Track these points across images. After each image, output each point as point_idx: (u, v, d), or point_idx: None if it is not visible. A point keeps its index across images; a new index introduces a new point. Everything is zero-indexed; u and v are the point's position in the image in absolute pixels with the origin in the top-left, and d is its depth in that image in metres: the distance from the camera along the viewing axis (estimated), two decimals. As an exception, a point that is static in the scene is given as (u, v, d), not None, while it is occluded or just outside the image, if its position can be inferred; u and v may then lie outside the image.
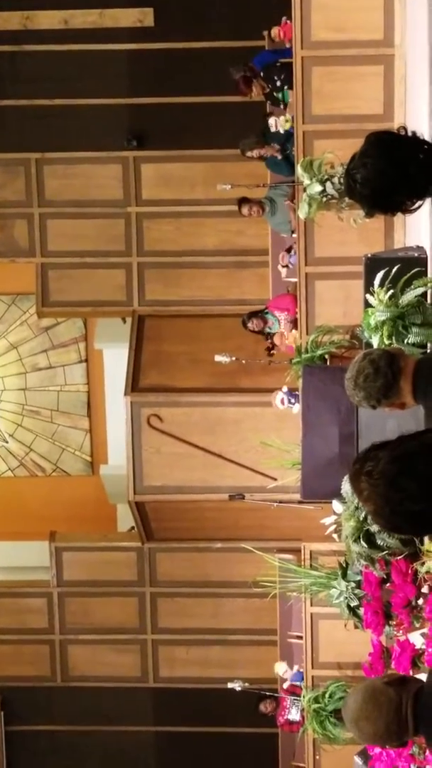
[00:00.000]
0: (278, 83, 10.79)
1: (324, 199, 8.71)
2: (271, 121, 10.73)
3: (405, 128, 4.10)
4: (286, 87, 10.64)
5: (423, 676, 3.41)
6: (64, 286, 12.71)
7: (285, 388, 10.10)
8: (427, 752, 6.58)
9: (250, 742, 12.68)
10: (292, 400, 10.00)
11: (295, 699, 10.47)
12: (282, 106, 10.84)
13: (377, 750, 7.29)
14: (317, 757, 10.24)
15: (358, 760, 8.02)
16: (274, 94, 10.90)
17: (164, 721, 13.08)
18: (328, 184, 8.61)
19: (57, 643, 13.09)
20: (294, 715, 10.55)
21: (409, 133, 4.08)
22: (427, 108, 8.18)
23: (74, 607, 13.03)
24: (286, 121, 10.61)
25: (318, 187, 8.63)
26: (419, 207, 4.06)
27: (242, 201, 10.97)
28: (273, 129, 10.72)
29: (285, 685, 10.86)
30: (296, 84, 9.88)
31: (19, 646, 13.13)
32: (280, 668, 10.88)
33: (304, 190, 8.85)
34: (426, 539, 6.93)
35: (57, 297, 12.79)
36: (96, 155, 12.51)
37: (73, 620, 13.04)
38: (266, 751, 12.24)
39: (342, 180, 4.33)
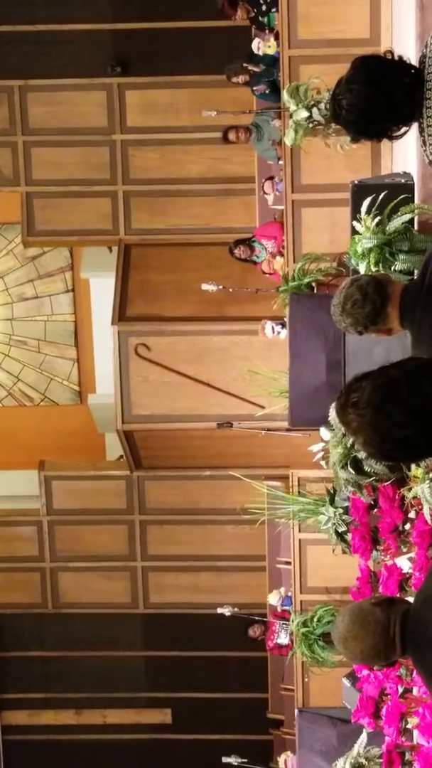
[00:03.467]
0: (264, 7, 10.66)
1: (310, 125, 8.64)
2: (255, 42, 10.61)
3: (392, 52, 4.07)
4: (272, 10, 10.51)
5: (411, 599, 3.45)
6: (49, 215, 12.62)
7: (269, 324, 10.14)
8: (414, 673, 6.68)
9: (240, 666, 12.86)
10: (280, 328, 10.01)
11: (283, 623, 10.60)
12: (267, 31, 10.71)
13: (365, 672, 7.42)
14: (306, 679, 10.38)
15: (346, 681, 8.16)
16: (260, 18, 10.77)
17: (154, 645, 13.24)
18: (315, 110, 8.52)
19: (47, 571, 13.20)
20: (283, 639, 10.69)
21: (396, 58, 4.05)
22: (414, 31, 8.08)
23: (64, 535, 13.12)
24: (268, 46, 10.49)
25: (304, 113, 8.55)
26: (405, 133, 4.05)
27: (228, 127, 10.89)
28: (255, 51, 10.60)
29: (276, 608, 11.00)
30: (282, 8, 9.75)
31: (10, 573, 13.24)
32: (274, 598, 11.00)
33: (291, 116, 8.77)
34: (413, 465, 6.98)
35: (42, 226, 12.70)
36: (80, 82, 12.36)
37: (63, 548, 13.14)
38: (255, 674, 12.42)
39: (328, 106, 4.31)
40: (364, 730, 7.38)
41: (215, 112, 10.79)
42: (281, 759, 11.18)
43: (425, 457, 3.25)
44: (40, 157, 12.53)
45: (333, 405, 7.44)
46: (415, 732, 6.88)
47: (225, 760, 10.65)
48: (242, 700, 12.95)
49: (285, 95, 8.77)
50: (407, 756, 7.00)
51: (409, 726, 7.00)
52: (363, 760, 7.13)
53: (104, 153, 12.45)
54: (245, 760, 10.67)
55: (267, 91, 10.74)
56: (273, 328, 10.13)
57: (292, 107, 8.56)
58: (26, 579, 13.25)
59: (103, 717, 13.45)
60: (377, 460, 3.18)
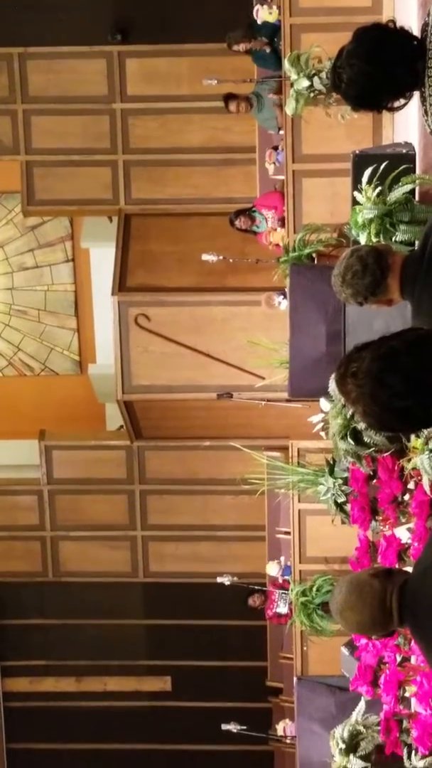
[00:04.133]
0: (265, -26, 10.59)
1: (311, 94, 8.60)
2: (255, 8, 10.54)
3: (394, 22, 4.05)
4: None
5: (409, 570, 3.47)
6: (49, 184, 12.58)
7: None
8: (412, 642, 6.72)
9: (239, 635, 12.93)
10: (281, 298, 10.00)
11: (283, 592, 10.65)
12: (269, -1, 10.65)
13: (363, 641, 7.46)
14: (305, 648, 10.43)
15: (344, 650, 8.19)
16: (261, -15, 10.70)
17: (154, 614, 13.30)
18: (316, 79, 8.48)
19: (48, 540, 13.25)
20: (282, 608, 10.75)
21: (398, 28, 4.03)
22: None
23: (64, 504, 13.16)
24: (269, 12, 10.42)
25: (305, 82, 8.51)
26: (404, 105, 4.04)
27: (229, 97, 10.82)
28: (256, 18, 10.53)
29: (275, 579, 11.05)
30: (283, -25, 9.70)
31: (11, 542, 13.29)
32: (273, 569, 11.04)
33: (292, 85, 8.73)
34: (412, 436, 6.99)
35: (42, 195, 12.66)
36: (80, 50, 12.29)
37: (63, 517, 13.19)
38: (255, 643, 12.49)
39: (329, 75, 4.29)
40: (362, 698, 7.43)
41: (216, 81, 10.74)
42: (280, 726, 11.26)
43: (424, 428, 3.26)
44: (40, 126, 12.48)
45: (333, 376, 7.46)
46: (413, 700, 6.92)
47: (224, 727, 10.72)
48: (241, 668, 13.02)
49: (286, 64, 8.73)
50: (405, 724, 7.05)
51: (406, 694, 7.05)
52: (361, 728, 7.18)
53: (104, 122, 12.40)
54: (244, 728, 10.74)
55: (268, 51, 10.65)
56: (277, 300, 10.11)
57: (293, 76, 8.52)
58: (27, 548, 13.30)
59: (103, 684, 13.54)
60: (376, 430, 3.19)
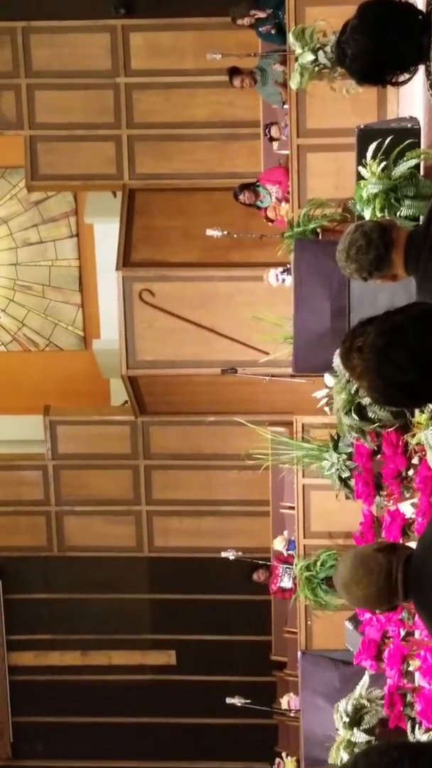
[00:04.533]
0: None
1: (316, 68, 8.57)
2: None
3: (399, -5, 4.02)
4: None
5: (413, 545, 3.48)
6: (53, 159, 12.55)
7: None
8: (416, 617, 6.74)
9: (243, 609, 12.97)
10: (285, 275, 9.98)
11: (287, 567, 10.69)
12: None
13: (368, 615, 7.48)
14: (309, 622, 10.48)
15: (348, 624, 8.22)
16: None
17: (159, 588, 13.35)
18: (321, 53, 8.45)
19: (53, 515, 13.28)
20: (286, 582, 10.79)
21: (402, 2, 4.00)
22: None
23: (69, 479, 13.19)
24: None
25: (310, 56, 8.48)
26: (409, 80, 4.02)
27: (233, 72, 10.78)
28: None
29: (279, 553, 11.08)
30: None
31: (16, 517, 13.33)
32: (280, 544, 11.07)
33: (296, 59, 8.70)
34: (416, 411, 7.00)
35: (46, 170, 12.63)
36: (84, 24, 12.23)
37: (68, 492, 13.22)
38: (259, 617, 12.54)
39: (334, 49, 4.26)
40: (366, 672, 7.45)
41: (220, 55, 10.69)
42: (284, 700, 11.32)
43: (428, 403, 3.26)
44: (43, 101, 12.44)
45: (337, 351, 7.46)
46: (417, 674, 6.95)
47: (229, 701, 10.78)
48: (246, 642, 13.08)
49: (291, 38, 8.70)
50: (409, 697, 7.08)
51: (410, 668, 7.07)
52: (365, 702, 7.22)
53: (108, 96, 12.36)
54: (248, 701, 10.79)
55: (273, 32, 10.63)
56: (277, 276, 10.10)
57: (298, 50, 8.49)
58: (32, 522, 13.34)
59: (108, 658, 13.60)
60: (380, 405, 3.20)
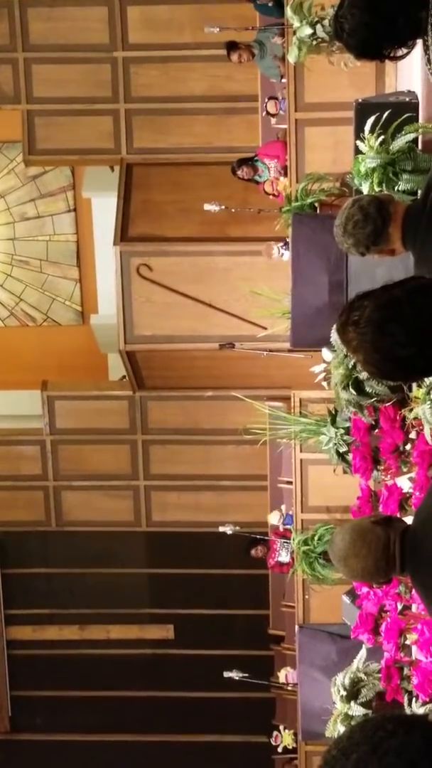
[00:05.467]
0: None
1: (314, 42, 8.53)
2: None
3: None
4: None
5: (410, 520, 3.49)
6: (51, 133, 12.51)
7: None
8: (413, 591, 6.76)
9: (241, 583, 13.01)
10: (284, 249, 9.97)
11: (284, 541, 10.71)
12: None
13: (365, 589, 7.51)
14: (306, 597, 10.51)
15: (346, 598, 8.26)
16: None
17: (157, 563, 13.39)
18: (319, 27, 8.42)
19: (51, 489, 13.31)
20: (284, 557, 10.81)
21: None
22: None
23: (67, 454, 13.21)
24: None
25: (308, 30, 8.44)
26: (407, 54, 4.00)
27: (231, 47, 10.73)
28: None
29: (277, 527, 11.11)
30: None
31: (14, 492, 13.36)
32: (275, 518, 11.09)
33: (294, 32, 8.66)
34: (414, 386, 7.01)
35: (44, 145, 12.59)
36: (81, -4, 12.19)
37: (66, 467, 13.24)
38: (257, 591, 12.58)
39: (331, 24, 4.25)
40: (363, 645, 7.49)
41: (218, 29, 10.64)
42: (281, 673, 11.36)
43: (425, 377, 3.26)
44: (41, 75, 12.39)
45: (335, 325, 7.46)
46: (414, 648, 6.98)
47: (226, 674, 10.82)
48: (244, 616, 13.13)
49: (289, 11, 8.66)
50: (405, 671, 7.12)
51: (407, 642, 7.10)
52: (362, 675, 7.25)
53: (106, 70, 12.31)
54: (246, 675, 10.84)
55: (270, 4, 10.57)
56: (279, 249, 10.09)
57: (296, 24, 8.45)
58: (30, 497, 13.37)
59: (106, 632, 13.65)
60: (377, 378, 3.19)
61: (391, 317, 2.96)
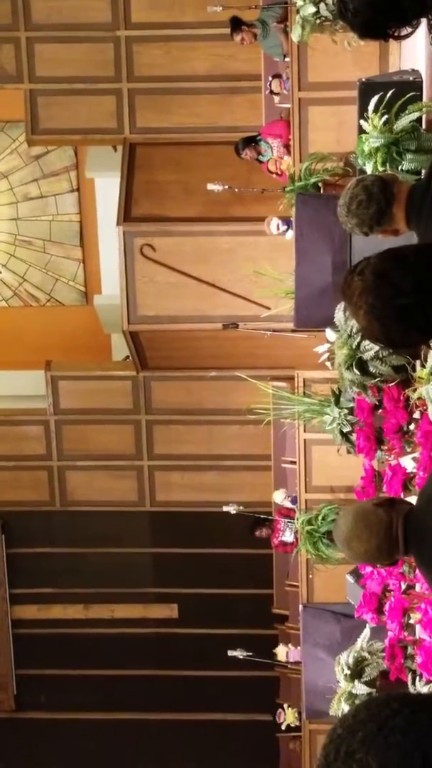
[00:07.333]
0: None
1: (318, 21, 8.51)
2: None
3: None
4: None
5: (414, 500, 3.50)
6: (53, 113, 12.47)
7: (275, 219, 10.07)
8: (417, 571, 6.78)
9: (245, 563, 13.04)
10: (285, 226, 9.96)
11: (288, 521, 10.73)
12: None
13: (369, 569, 7.53)
14: (310, 576, 10.53)
15: (350, 578, 8.28)
16: None
17: (161, 543, 13.42)
18: (322, 6, 8.39)
19: (55, 469, 13.34)
20: (288, 536, 10.83)
21: None
22: None
23: (71, 434, 13.23)
24: None
25: (311, 9, 8.42)
26: (411, 34, 3.99)
27: (234, 25, 10.69)
28: None
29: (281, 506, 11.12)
30: None
31: (18, 472, 13.38)
32: (279, 497, 11.11)
33: (297, 11, 8.63)
34: (418, 365, 7.01)
35: (47, 124, 12.55)
36: (83, -25, 12.13)
37: (70, 447, 13.26)
38: (261, 571, 12.60)
39: (335, 3, 4.21)
40: (367, 625, 7.52)
41: (221, 8, 10.60)
42: (280, 650, 11.38)
43: (423, 338, 3.26)
44: (43, 54, 12.35)
45: (339, 305, 7.46)
46: (418, 627, 7.00)
47: (230, 653, 10.86)
48: (248, 595, 13.16)
49: (292, -10, 8.62)
50: (409, 650, 7.14)
51: (411, 621, 7.13)
52: (366, 654, 7.28)
53: (108, 50, 12.26)
54: (250, 654, 10.88)
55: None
56: (278, 225, 10.08)
57: (300, 2, 8.42)
58: (34, 477, 13.40)
59: (110, 611, 13.69)
60: (375, 335, 3.17)
61: (396, 266, 3.00)
